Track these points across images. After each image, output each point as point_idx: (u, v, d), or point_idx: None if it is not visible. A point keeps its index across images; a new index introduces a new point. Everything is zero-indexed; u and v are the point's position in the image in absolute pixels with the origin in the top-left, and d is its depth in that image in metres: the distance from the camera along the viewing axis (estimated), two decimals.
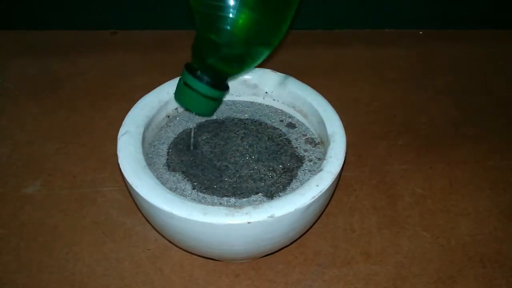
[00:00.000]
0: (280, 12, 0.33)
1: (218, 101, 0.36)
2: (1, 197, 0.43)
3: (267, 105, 0.43)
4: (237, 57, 0.34)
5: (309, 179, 0.35)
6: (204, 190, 0.36)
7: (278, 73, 0.42)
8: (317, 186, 0.33)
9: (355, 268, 0.39)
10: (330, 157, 0.36)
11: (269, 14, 0.33)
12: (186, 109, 0.39)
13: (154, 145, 0.39)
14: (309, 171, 0.37)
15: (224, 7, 0.31)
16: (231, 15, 0.31)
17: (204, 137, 0.40)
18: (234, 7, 0.31)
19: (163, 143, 0.39)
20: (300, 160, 0.38)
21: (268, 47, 0.35)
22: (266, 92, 0.42)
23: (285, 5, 0.33)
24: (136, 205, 0.37)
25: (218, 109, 0.42)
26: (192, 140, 0.38)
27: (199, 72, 0.34)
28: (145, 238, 0.41)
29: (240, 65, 0.35)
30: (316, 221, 0.39)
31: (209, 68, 0.34)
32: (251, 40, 0.33)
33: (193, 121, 0.41)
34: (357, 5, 0.62)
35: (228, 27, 0.32)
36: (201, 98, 0.35)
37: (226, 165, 0.38)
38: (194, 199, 0.35)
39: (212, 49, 0.33)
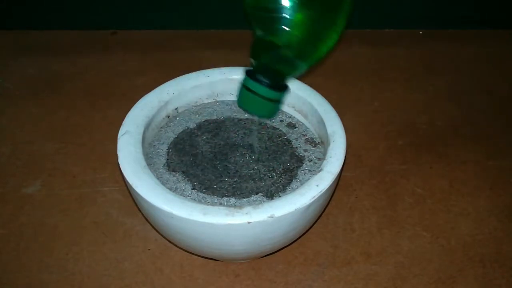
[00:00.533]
0: (334, 9, 0.34)
1: (279, 102, 0.36)
2: (1, 197, 0.43)
3: None
4: (297, 56, 0.34)
5: (309, 179, 0.35)
6: (204, 190, 0.36)
7: None
8: (317, 186, 0.33)
9: (355, 268, 0.39)
10: (330, 157, 0.36)
11: (324, 11, 0.33)
12: (250, 113, 0.39)
13: (154, 145, 0.39)
14: (309, 171, 0.37)
15: (280, 8, 0.32)
16: (287, 16, 0.32)
17: (204, 137, 0.40)
18: (290, 8, 0.32)
19: (163, 143, 0.39)
20: (300, 160, 0.38)
21: (325, 44, 0.35)
22: None
23: (338, 2, 0.34)
24: (136, 205, 0.37)
25: (218, 109, 0.42)
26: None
27: (259, 76, 0.34)
28: (145, 238, 0.41)
29: (300, 64, 0.35)
30: (316, 221, 0.39)
31: (269, 70, 0.34)
32: (309, 38, 0.34)
33: (193, 121, 0.41)
34: (357, 5, 0.62)
35: (286, 28, 0.32)
36: (262, 101, 0.35)
37: (226, 165, 0.38)
38: (194, 199, 0.35)
39: (272, 51, 0.34)
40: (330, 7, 0.34)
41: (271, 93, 0.35)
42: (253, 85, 0.35)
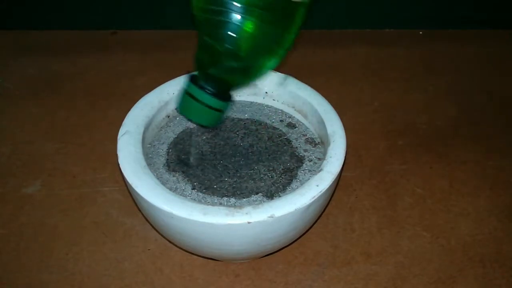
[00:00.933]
0: (285, 21, 0.33)
1: (222, 112, 0.35)
2: (1, 197, 0.43)
3: (267, 105, 0.43)
4: (241, 67, 0.33)
5: (309, 179, 0.35)
6: (204, 190, 0.36)
7: (278, 73, 0.42)
8: (317, 186, 0.33)
9: (355, 268, 0.39)
10: (330, 157, 0.36)
11: (275, 22, 0.32)
12: (189, 120, 0.39)
13: (154, 145, 0.39)
14: (309, 171, 0.37)
15: (229, 13, 0.31)
16: (236, 22, 0.31)
17: (204, 137, 0.40)
18: (239, 14, 0.31)
19: (163, 143, 0.39)
20: (300, 160, 0.38)
21: (273, 58, 0.34)
22: (266, 92, 0.42)
23: (291, 14, 0.33)
24: (136, 205, 0.37)
25: None
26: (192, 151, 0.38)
27: (202, 82, 0.34)
28: (145, 238, 0.41)
29: (244, 75, 0.34)
30: (316, 221, 0.39)
31: (212, 78, 0.33)
32: (256, 49, 0.32)
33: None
34: (357, 5, 0.62)
35: (234, 34, 0.31)
36: (204, 109, 0.34)
37: (226, 165, 0.38)
38: (194, 199, 0.35)
39: (217, 58, 0.33)
40: (282, 19, 0.32)
41: (212, 101, 0.34)
42: (196, 92, 0.34)
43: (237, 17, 0.31)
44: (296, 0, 0.31)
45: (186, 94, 0.34)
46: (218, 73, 0.33)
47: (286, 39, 0.33)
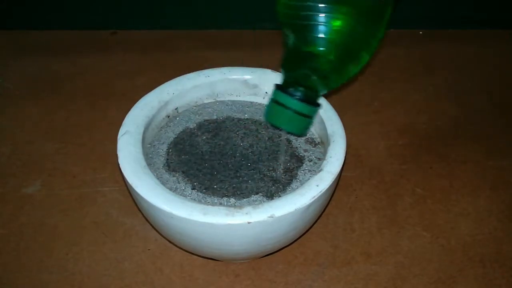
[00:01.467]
0: (375, 21, 0.32)
1: (311, 118, 0.34)
2: (1, 197, 0.43)
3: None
4: (332, 70, 0.33)
5: (309, 179, 0.35)
6: (204, 190, 0.36)
7: (278, 73, 0.42)
8: (317, 186, 0.33)
9: (355, 268, 0.39)
10: (330, 157, 0.36)
11: (366, 22, 0.32)
12: (279, 129, 0.37)
13: (154, 145, 0.39)
14: (309, 171, 0.37)
15: (316, 16, 0.30)
16: (324, 23, 0.30)
17: (204, 137, 0.40)
18: (327, 15, 0.30)
19: (163, 143, 0.39)
20: (300, 160, 0.38)
21: (360, 60, 0.33)
22: (266, 92, 0.42)
23: (380, 14, 0.32)
24: (136, 205, 0.37)
25: (218, 109, 0.42)
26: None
27: (291, 89, 0.33)
28: (145, 238, 0.41)
29: (333, 79, 0.34)
30: (316, 221, 0.39)
31: (301, 84, 0.33)
32: (347, 51, 0.32)
33: (193, 121, 0.41)
34: None
35: (324, 35, 0.31)
36: (295, 116, 0.33)
37: (226, 165, 0.38)
38: (194, 199, 0.35)
39: (306, 63, 0.32)
40: (372, 19, 0.32)
41: (303, 107, 0.33)
42: (284, 99, 0.33)
43: (326, 18, 0.30)
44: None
45: (274, 103, 0.34)
46: (308, 79, 0.33)
47: (375, 40, 0.33)
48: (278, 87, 0.34)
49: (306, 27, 0.31)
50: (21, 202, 0.43)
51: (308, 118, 0.34)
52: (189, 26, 0.63)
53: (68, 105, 0.52)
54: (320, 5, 0.30)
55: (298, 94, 0.33)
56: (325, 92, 0.35)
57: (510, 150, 0.49)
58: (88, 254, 0.40)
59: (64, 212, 0.42)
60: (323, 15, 0.30)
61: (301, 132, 0.35)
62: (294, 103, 0.33)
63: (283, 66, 0.34)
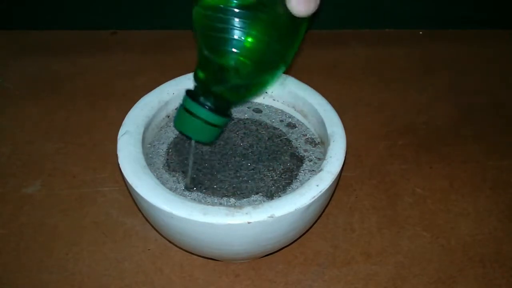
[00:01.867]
0: (290, 36, 0.32)
1: (221, 128, 0.34)
2: (1, 197, 0.43)
3: (267, 105, 0.43)
4: (245, 84, 0.33)
5: (309, 179, 0.35)
6: (204, 190, 0.36)
7: None
8: (317, 186, 0.33)
9: (355, 268, 0.39)
10: (330, 157, 0.36)
11: (279, 37, 0.31)
12: (186, 136, 0.37)
13: (154, 145, 0.39)
14: (309, 171, 0.37)
15: (231, 29, 0.30)
16: (238, 38, 0.30)
17: None
18: (241, 30, 0.30)
19: (163, 143, 0.39)
20: (300, 160, 0.38)
21: (275, 73, 0.33)
22: (266, 92, 0.42)
23: (293, 28, 0.32)
24: (136, 205, 0.37)
25: None
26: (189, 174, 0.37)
27: (202, 98, 0.33)
28: (145, 238, 0.41)
29: (246, 92, 0.33)
30: (316, 221, 0.39)
31: (213, 94, 0.33)
32: (261, 65, 0.32)
33: None
34: (357, 5, 0.62)
35: (236, 50, 0.31)
36: (203, 125, 0.33)
37: (226, 165, 0.38)
38: (194, 199, 0.35)
39: (218, 74, 0.32)
40: (287, 34, 0.32)
41: (212, 117, 0.33)
42: (194, 107, 0.32)
43: (241, 33, 0.30)
44: (301, 15, 0.30)
45: (184, 110, 0.33)
46: (220, 89, 0.32)
47: (289, 54, 0.33)
48: (189, 94, 0.33)
49: (220, 40, 0.31)
50: (21, 202, 0.43)
51: (217, 127, 0.34)
52: (189, 26, 0.63)
53: (68, 105, 0.52)
54: (236, 19, 0.30)
55: (208, 104, 0.32)
56: (238, 103, 0.34)
57: (510, 150, 0.49)
58: (88, 254, 0.40)
59: (64, 212, 0.42)
60: (238, 30, 0.30)
61: (209, 140, 0.34)
62: (204, 113, 0.32)
63: (195, 74, 0.33)
